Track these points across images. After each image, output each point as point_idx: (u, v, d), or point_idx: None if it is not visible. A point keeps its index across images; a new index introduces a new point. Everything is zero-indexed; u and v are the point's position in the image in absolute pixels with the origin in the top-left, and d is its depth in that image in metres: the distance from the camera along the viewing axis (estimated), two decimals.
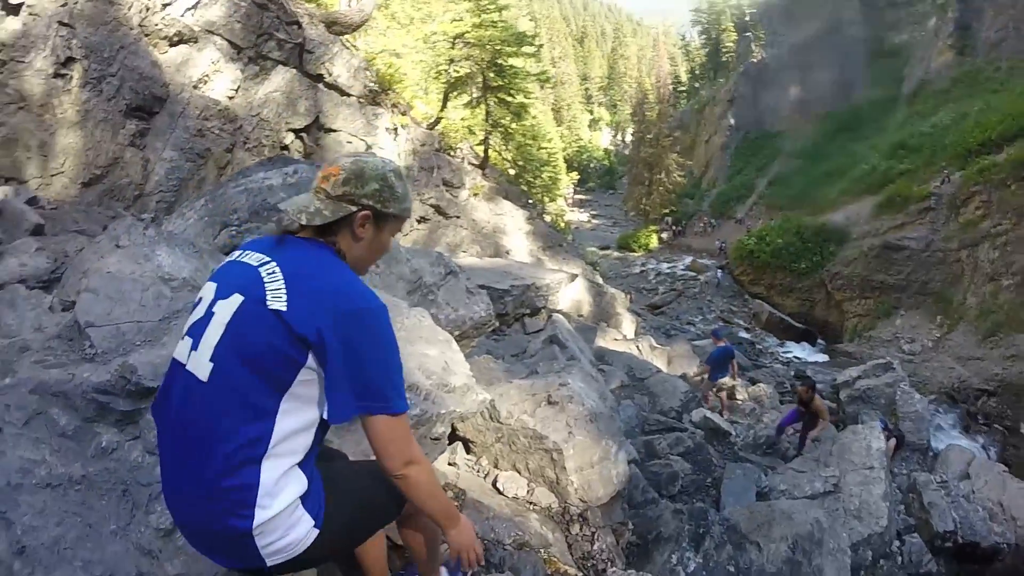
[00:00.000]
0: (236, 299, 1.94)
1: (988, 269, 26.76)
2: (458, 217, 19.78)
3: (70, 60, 11.62)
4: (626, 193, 70.93)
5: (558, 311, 14.43)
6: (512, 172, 26.43)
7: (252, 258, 2.03)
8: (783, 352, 31.30)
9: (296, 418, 1.94)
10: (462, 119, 24.06)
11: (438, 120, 21.93)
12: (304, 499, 1.99)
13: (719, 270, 43.84)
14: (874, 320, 31.35)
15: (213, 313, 1.95)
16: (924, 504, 9.19)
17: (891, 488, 8.76)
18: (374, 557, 2.63)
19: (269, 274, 1.95)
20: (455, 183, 20.37)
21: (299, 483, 1.98)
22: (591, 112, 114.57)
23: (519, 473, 5.35)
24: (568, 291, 16.91)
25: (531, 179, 26.91)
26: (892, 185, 35.94)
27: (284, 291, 1.90)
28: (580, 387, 5.79)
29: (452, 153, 21.33)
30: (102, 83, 12.05)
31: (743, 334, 32.72)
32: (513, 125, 25.05)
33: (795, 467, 9.06)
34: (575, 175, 50.58)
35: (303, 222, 2.02)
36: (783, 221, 41.20)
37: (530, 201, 25.98)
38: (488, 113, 23.91)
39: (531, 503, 5.16)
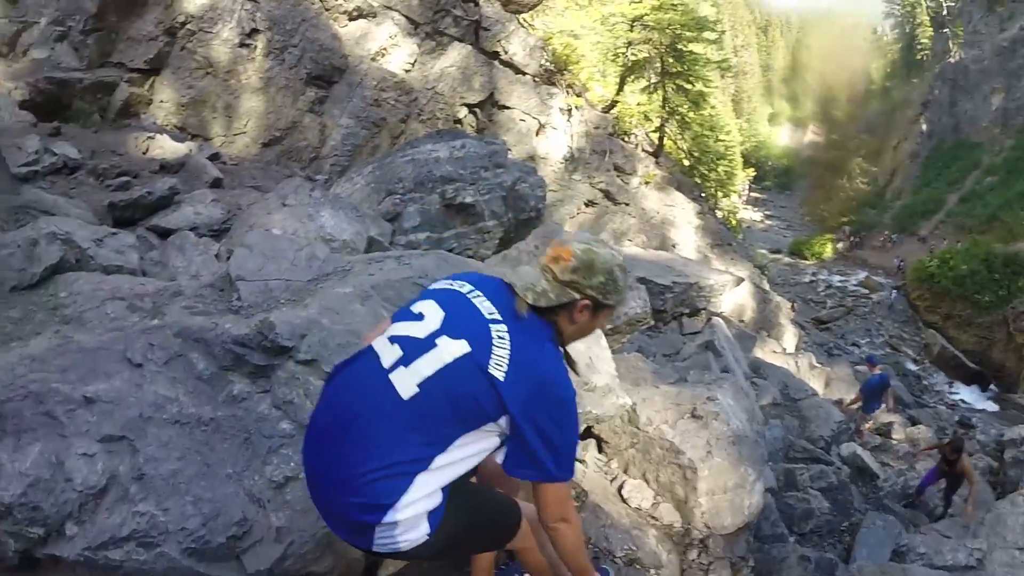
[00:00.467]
0: (462, 347, 2.01)
1: None
2: (627, 204, 19.30)
3: (254, 31, 12.43)
4: (804, 196, 67.49)
5: (719, 314, 13.71)
6: (686, 163, 25.42)
7: (484, 305, 2.11)
8: (950, 393, 28.10)
9: (464, 451, 2.06)
10: (638, 104, 23.31)
11: (613, 104, 21.45)
12: (430, 512, 2.07)
13: (894, 291, 40.24)
14: None
15: (435, 345, 2.03)
16: None
17: None
18: (484, 557, 2.71)
19: (499, 339, 2.03)
20: (627, 169, 19.89)
21: (435, 500, 2.07)
22: (771, 106, 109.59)
23: (647, 484, 5.09)
24: (732, 294, 16.10)
25: (706, 172, 25.72)
26: None
27: (507, 363, 1.99)
28: (729, 404, 5.43)
29: (626, 138, 20.85)
30: (284, 53, 12.77)
31: (910, 366, 29.71)
32: (691, 114, 24.05)
33: (940, 529, 8.20)
34: (751, 171, 48.33)
35: (530, 301, 2.09)
36: (971, 245, 36.98)
37: (702, 195, 25.00)
38: (665, 100, 23.11)
39: (653, 518, 4.91)
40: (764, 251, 41.79)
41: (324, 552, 3.04)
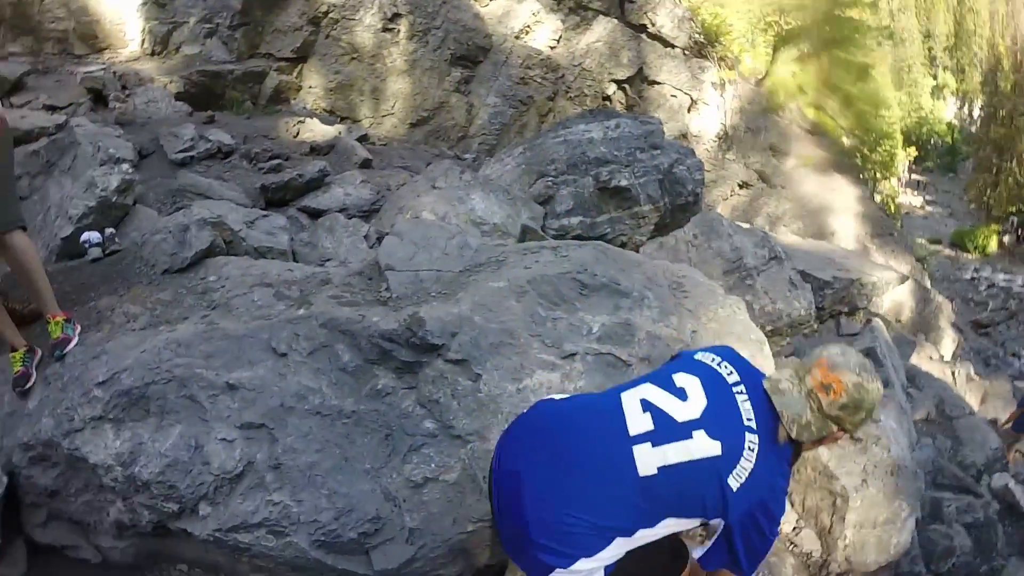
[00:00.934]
0: (713, 449, 2.01)
1: None
2: (783, 187, 18.32)
3: (396, 16, 12.56)
4: (969, 179, 62.60)
5: (878, 315, 12.75)
6: (846, 142, 23.88)
7: (745, 407, 2.10)
8: None
9: (664, 529, 2.09)
10: (793, 75, 21.93)
11: (766, 76, 20.34)
12: (607, 565, 2.09)
13: None
14: None
15: (691, 437, 2.03)
16: None
17: None
18: None
19: (749, 451, 2.03)
20: (782, 149, 18.86)
21: (617, 556, 2.08)
22: (934, 77, 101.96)
23: (791, 506, 4.84)
24: (894, 293, 15.00)
25: (867, 152, 24.09)
26: None
27: (744, 479, 1.99)
28: (891, 427, 5.01)
29: (780, 114, 19.76)
30: (427, 35, 12.84)
31: None
32: (854, 89, 22.46)
33: None
34: (913, 151, 45.30)
35: (793, 435, 2.07)
36: None
37: (862, 177, 23.43)
38: (824, 72, 21.72)
39: (792, 543, 4.73)
40: (923, 241, 38.84)
41: (455, 558, 3.05)
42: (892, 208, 27.68)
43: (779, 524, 2.13)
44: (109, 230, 4.92)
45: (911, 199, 60.91)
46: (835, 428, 2.09)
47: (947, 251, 46.68)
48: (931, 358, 14.67)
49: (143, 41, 11.42)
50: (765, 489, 2.03)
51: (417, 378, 3.33)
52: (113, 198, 5.20)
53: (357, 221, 6.92)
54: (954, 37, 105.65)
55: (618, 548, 2.03)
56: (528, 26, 13.81)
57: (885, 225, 20.96)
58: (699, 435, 2.02)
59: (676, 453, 2.01)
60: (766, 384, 2.15)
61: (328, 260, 6.07)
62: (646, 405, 2.10)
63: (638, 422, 2.07)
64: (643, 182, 7.47)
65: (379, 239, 6.28)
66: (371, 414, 3.25)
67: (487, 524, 2.93)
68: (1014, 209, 51.18)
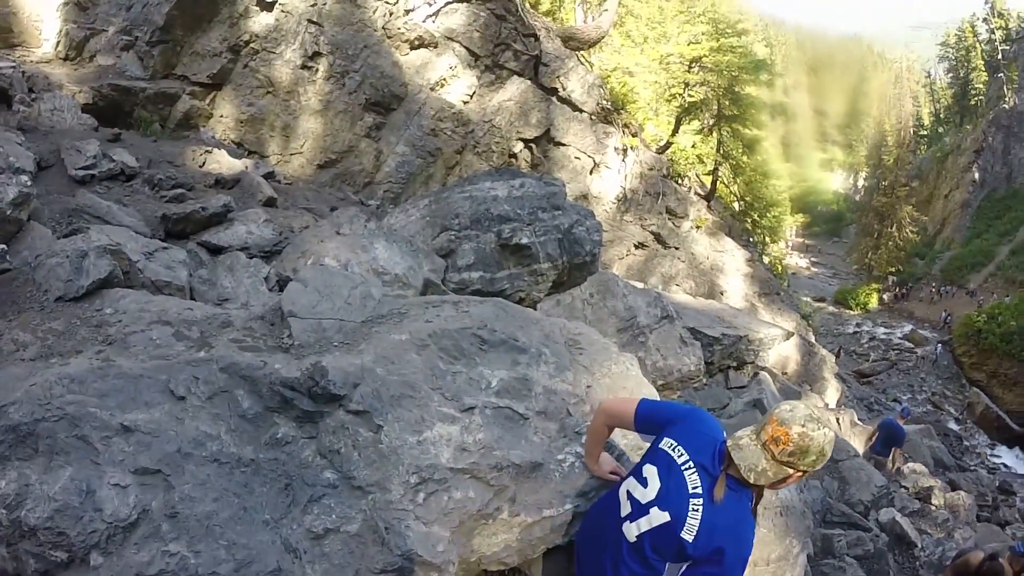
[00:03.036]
0: (666, 516, 2.70)
1: None
2: (677, 248, 19.06)
3: (317, 54, 12.60)
4: (852, 243, 66.40)
5: (765, 368, 13.34)
6: (738, 208, 25.14)
7: (692, 479, 2.71)
8: (992, 455, 27.16)
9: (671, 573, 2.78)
10: (692, 146, 23.03)
11: (668, 145, 21.25)
12: None
13: (939, 345, 39.10)
14: None
15: (649, 513, 2.75)
16: None
17: None
18: None
19: (694, 510, 2.65)
20: (679, 212, 19.66)
21: None
22: (824, 151, 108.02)
23: None
24: (779, 348, 15.70)
25: (757, 217, 25.40)
26: None
27: (696, 530, 2.63)
28: None
29: (679, 181, 20.61)
30: (345, 77, 12.89)
31: (952, 425, 28.88)
32: (744, 158, 23.78)
33: None
34: (801, 217, 47.76)
35: (751, 480, 2.59)
36: (1021, 300, 36.04)
37: (751, 240, 24.63)
38: (720, 143, 22.87)
39: None
40: (809, 299, 40.90)
41: None
42: (779, 269, 29.17)
43: (743, 560, 2.66)
44: (0, 246, 4.59)
45: (798, 261, 64.06)
46: (791, 471, 2.56)
47: (831, 308, 49.20)
48: (816, 407, 15.36)
49: (58, 44, 11.01)
50: (717, 541, 2.61)
51: (318, 428, 3.30)
52: (8, 211, 4.88)
53: (258, 261, 6.79)
54: (847, 116, 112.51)
55: None
56: (444, 79, 14.04)
57: (772, 285, 22.04)
58: (654, 510, 2.74)
59: (645, 525, 2.76)
60: (729, 443, 2.68)
61: (226, 300, 5.95)
62: (628, 495, 2.89)
63: (625, 507, 2.88)
64: (543, 241, 7.64)
65: (279, 282, 6.23)
66: (271, 463, 3.20)
67: (391, 574, 2.93)
68: (893, 269, 54.58)
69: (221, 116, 11.99)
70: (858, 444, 14.12)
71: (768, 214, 25.80)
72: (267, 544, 2.98)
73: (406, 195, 12.72)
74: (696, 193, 21.52)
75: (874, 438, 13.42)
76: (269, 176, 10.56)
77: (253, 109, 12.09)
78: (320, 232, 6.89)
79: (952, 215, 60.89)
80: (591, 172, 16.72)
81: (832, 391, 18.90)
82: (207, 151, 9.74)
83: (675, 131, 22.29)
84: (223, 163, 9.61)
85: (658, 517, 2.72)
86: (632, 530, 2.80)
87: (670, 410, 3.05)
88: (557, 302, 6.43)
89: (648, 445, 3.03)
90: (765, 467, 2.56)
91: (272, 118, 12.29)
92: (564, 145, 16.05)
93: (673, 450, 2.80)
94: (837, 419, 15.11)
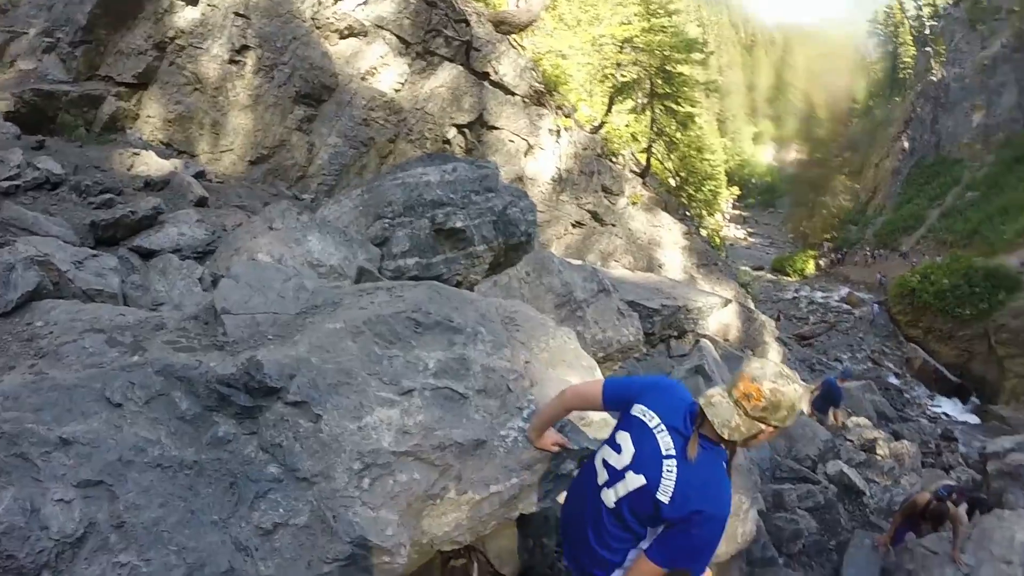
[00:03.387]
0: (640, 480, 2.76)
1: None
2: (614, 225, 19.25)
3: (244, 48, 12.36)
4: (786, 213, 68.02)
5: (706, 335, 13.64)
6: (673, 183, 25.54)
7: (664, 441, 2.76)
8: (932, 406, 28.51)
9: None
10: (626, 125, 23.31)
11: (601, 124, 21.42)
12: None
13: (876, 305, 40.47)
14: None
15: (624, 477, 2.82)
16: None
17: None
18: None
19: (668, 472, 2.70)
20: (614, 190, 19.84)
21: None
22: (755, 125, 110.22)
23: None
24: (718, 315, 16.05)
25: (692, 192, 25.90)
26: None
27: (672, 491, 2.67)
28: None
29: (614, 159, 20.81)
30: (274, 70, 12.68)
31: (892, 380, 30.17)
32: (678, 135, 24.19)
33: (927, 545, 8.08)
34: (735, 190, 48.62)
35: (726, 436, 2.63)
36: (951, 259, 37.29)
37: (688, 214, 25.05)
38: (653, 121, 23.18)
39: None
40: (747, 268, 41.75)
41: None
42: (717, 241, 29.78)
43: (717, 531, 2.69)
44: None
45: (735, 232, 65.07)
46: (763, 427, 2.60)
47: (769, 276, 50.39)
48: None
49: None
50: (693, 503, 2.65)
51: (258, 423, 3.28)
52: None
53: (191, 263, 6.71)
54: (775, 90, 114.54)
55: (632, 554, 2.91)
56: (375, 68, 13.90)
57: (710, 256, 22.44)
58: (630, 474, 2.80)
59: (621, 490, 2.83)
60: (701, 400, 2.71)
61: (161, 304, 5.85)
62: (604, 463, 2.96)
63: (601, 475, 2.95)
64: (478, 223, 7.66)
65: (214, 282, 6.11)
66: (213, 463, 3.18)
67: (343, 563, 2.94)
68: (828, 236, 56.14)
69: (148, 116, 11.72)
70: (803, 403, 14.59)
71: (703, 188, 26.29)
72: (217, 545, 2.96)
73: (340, 187, 12.60)
74: (631, 171, 21.76)
75: (813, 395, 13.90)
76: (200, 175, 10.36)
77: (181, 107, 11.85)
78: (253, 229, 6.80)
79: (883, 183, 62.68)
80: (526, 154, 16.76)
81: (773, 354, 19.41)
82: (135, 153, 9.52)
83: (608, 111, 22.51)
84: (152, 165, 9.41)
85: (634, 481, 2.77)
86: (610, 496, 2.87)
87: (637, 382, 3.11)
88: (494, 283, 6.47)
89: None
90: (739, 423, 2.59)
91: (200, 115, 12.05)
92: (497, 129, 16.05)
93: (644, 415, 2.84)
94: None
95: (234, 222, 8.19)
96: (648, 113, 23.24)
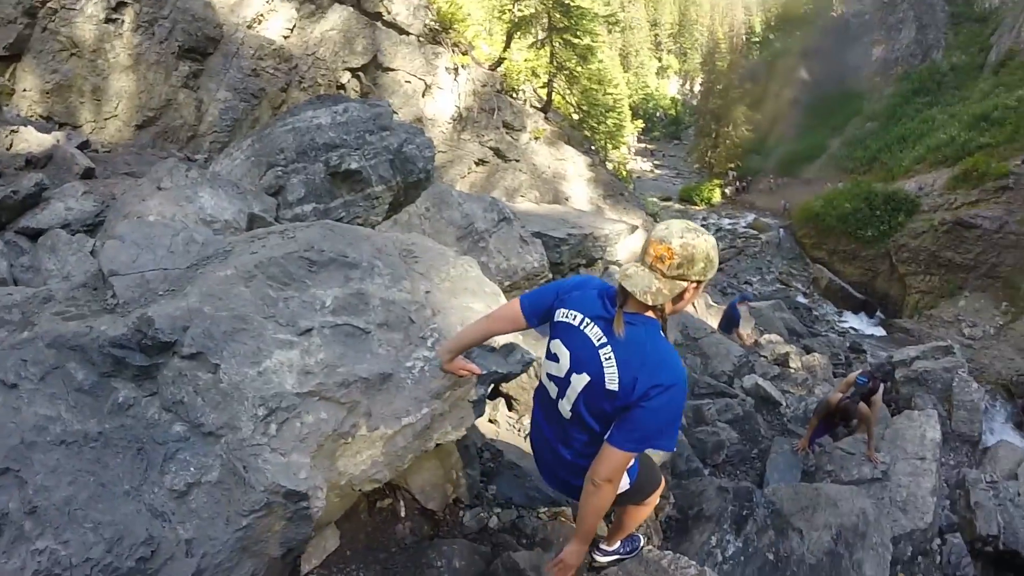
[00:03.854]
0: (585, 378, 2.68)
1: None
2: (518, 161, 19.25)
3: (121, 5, 11.75)
4: (691, 145, 69.10)
5: (615, 263, 13.92)
6: (576, 117, 25.51)
7: (593, 333, 2.68)
8: (840, 321, 30.07)
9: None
10: (525, 60, 23.07)
11: (501, 61, 21.18)
12: (630, 469, 3.04)
13: (782, 230, 42.01)
14: (937, 298, 29.73)
15: (570, 382, 2.74)
16: (970, 503, 8.71)
17: (939, 482, 8.24)
18: (639, 514, 3.55)
19: (607, 359, 2.61)
20: (516, 126, 19.79)
21: (632, 462, 3.04)
22: (660, 59, 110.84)
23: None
24: (627, 242, 16.33)
25: (595, 125, 25.86)
26: (970, 158, 33.39)
27: (616, 376, 2.58)
28: None
29: (514, 95, 20.71)
30: (154, 26, 12.12)
31: (801, 299, 31.61)
32: (579, 68, 23.96)
33: (844, 447, 8.57)
34: (640, 123, 49.07)
35: (650, 302, 2.55)
36: (852, 185, 39.05)
37: (592, 147, 25.20)
38: (553, 55, 22.99)
39: None
40: (655, 199, 42.67)
41: (241, 558, 2.92)
42: (623, 173, 30.11)
43: (677, 401, 2.58)
44: None
45: (641, 165, 65.98)
46: (684, 283, 2.52)
47: (677, 206, 51.46)
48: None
49: None
50: (641, 376, 2.53)
51: (157, 382, 3.15)
52: None
53: (82, 236, 6.43)
54: (678, 25, 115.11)
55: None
56: (261, 15, 13.42)
57: (617, 187, 22.73)
58: (574, 377, 2.72)
59: (572, 395, 2.74)
60: (618, 276, 2.63)
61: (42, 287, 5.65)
62: (549, 377, 2.88)
63: (552, 390, 2.89)
64: (374, 164, 7.52)
65: None
66: (118, 431, 3.04)
67: (260, 513, 2.88)
68: (732, 166, 57.43)
69: (24, 90, 11.08)
70: (713, 323, 15.13)
71: (606, 120, 26.37)
72: (133, 515, 2.86)
73: (234, 143, 12.26)
74: (532, 106, 21.72)
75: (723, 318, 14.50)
76: (84, 146, 9.94)
77: (58, 76, 11.24)
78: (141, 191, 6.51)
79: (784, 113, 64.25)
80: (423, 95, 16.55)
81: None
82: (12, 131, 8.98)
83: (507, 46, 22.23)
84: (32, 141, 8.91)
85: (579, 382, 2.69)
86: (565, 407, 2.80)
87: (552, 288, 3.00)
88: (394, 222, 6.39)
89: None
90: (659, 286, 2.51)
91: (80, 82, 11.46)
92: (393, 70, 15.79)
93: (567, 316, 2.77)
94: (693, 304, 16.01)
95: (123, 191, 7.86)
96: (548, 47, 23.03)
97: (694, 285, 2.56)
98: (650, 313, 2.63)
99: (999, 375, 21.55)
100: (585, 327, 2.71)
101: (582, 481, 2.77)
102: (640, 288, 2.53)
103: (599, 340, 2.65)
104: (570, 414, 2.79)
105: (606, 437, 2.66)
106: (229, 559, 2.86)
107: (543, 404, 3.04)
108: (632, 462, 2.98)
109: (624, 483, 3.03)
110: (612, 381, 2.58)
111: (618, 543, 3.80)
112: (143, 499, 2.89)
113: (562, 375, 2.78)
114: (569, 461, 2.92)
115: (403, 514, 4.06)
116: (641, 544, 3.91)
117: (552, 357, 2.84)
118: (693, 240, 2.49)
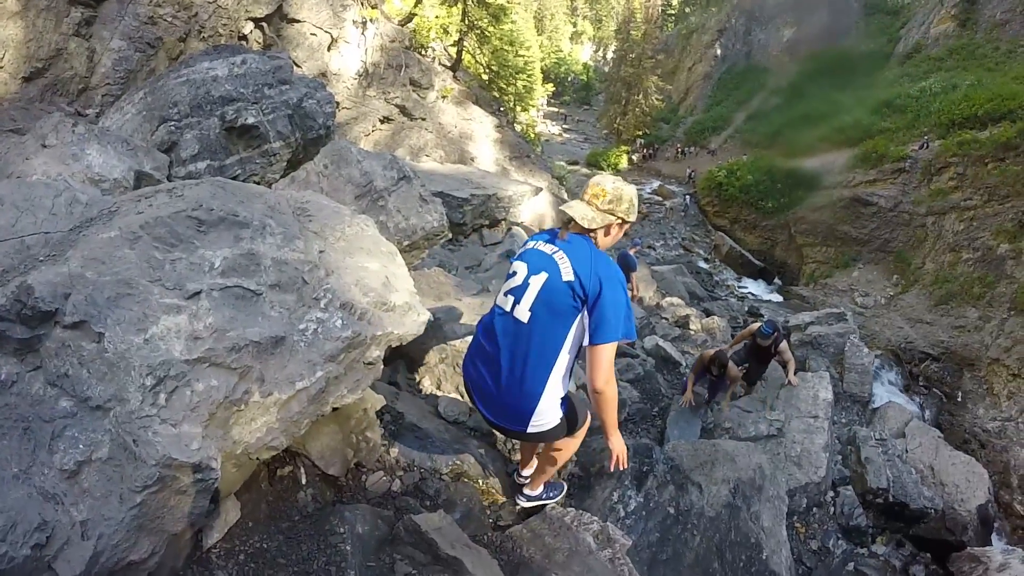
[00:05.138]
0: (543, 276, 3.21)
1: (951, 239, 26.77)
2: (424, 119, 19.01)
3: None
4: (601, 110, 69.52)
5: (519, 224, 14.04)
6: (485, 77, 25.43)
7: (547, 248, 3.29)
8: (739, 287, 31.33)
9: (570, 344, 3.26)
10: (436, 17, 22.75)
11: (411, 17, 20.84)
12: (562, 400, 3.43)
13: (687, 197, 43.39)
14: (832, 269, 31.38)
15: (529, 284, 3.23)
16: (861, 458, 9.29)
17: (832, 439, 8.79)
18: (567, 449, 3.91)
19: (560, 259, 3.21)
20: (423, 84, 19.50)
21: (563, 388, 3.40)
22: (574, 24, 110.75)
23: (461, 397, 5.22)
24: (531, 204, 16.46)
25: (504, 86, 25.88)
26: (871, 140, 35.06)
27: (571, 269, 3.16)
28: None
29: (423, 52, 20.41)
30: None
31: (702, 264, 32.79)
32: (491, 28, 23.80)
33: (741, 406, 8.99)
34: (551, 87, 48.96)
35: (586, 226, 3.24)
36: (756, 158, 40.80)
37: (501, 109, 25.16)
38: (465, 13, 22.75)
39: (472, 429, 5.05)
40: (563, 163, 42.93)
41: (138, 536, 2.82)
42: (532, 135, 30.18)
43: (624, 288, 3.20)
44: None
45: (550, 128, 66.24)
46: (612, 218, 3.26)
47: (584, 170, 51.84)
48: None
49: None
50: (591, 267, 3.14)
51: (40, 355, 2.99)
52: None
53: None
54: None
55: (556, 377, 3.31)
56: None
57: (523, 149, 22.78)
58: (532, 279, 3.23)
59: (530, 295, 3.21)
60: (564, 207, 3.30)
61: None
62: (506, 293, 3.32)
63: (507, 303, 3.29)
64: (272, 119, 7.33)
65: None
66: (2, 411, 2.87)
67: (154, 488, 2.77)
68: (640, 133, 58.30)
69: None
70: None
71: (516, 82, 26.32)
72: (24, 500, 2.71)
73: (125, 96, 11.68)
74: (441, 64, 21.48)
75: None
76: None
77: None
78: (24, 149, 6.15)
79: (695, 85, 65.82)
80: (329, 48, 16.09)
81: None
82: None
83: (418, 2, 21.83)
84: None
85: (538, 281, 3.21)
86: (523, 310, 3.24)
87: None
88: (292, 179, 6.15)
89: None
90: (593, 215, 3.25)
91: None
92: (299, 22, 15.24)
93: (524, 247, 3.43)
94: None
95: (6, 149, 7.44)
96: (460, 5, 22.75)
97: (618, 222, 3.29)
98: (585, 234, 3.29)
99: (889, 341, 23.14)
100: (540, 246, 3.34)
101: (527, 404, 3.33)
102: (579, 213, 3.25)
103: (552, 250, 3.27)
104: (528, 314, 3.23)
105: (589, 342, 3.19)
106: (126, 539, 2.77)
107: (491, 328, 3.42)
108: (563, 395, 3.44)
109: (556, 416, 3.43)
110: (567, 272, 3.16)
111: (541, 488, 4.30)
112: (33, 482, 2.76)
113: (520, 283, 3.28)
114: (511, 387, 3.34)
115: (304, 481, 3.99)
116: (564, 491, 4.50)
117: (510, 275, 3.36)
118: (621, 186, 3.31)
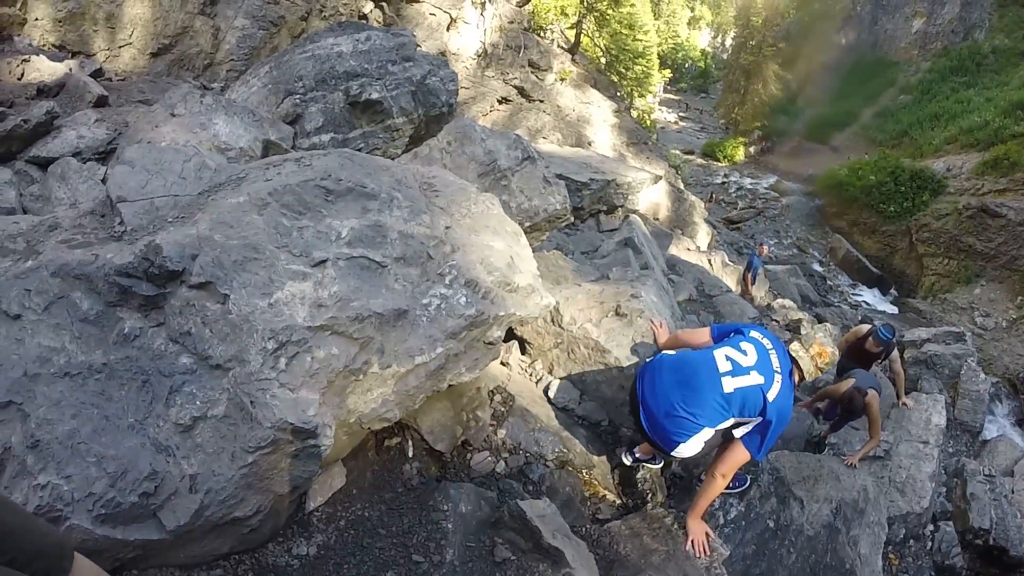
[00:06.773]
0: (758, 379, 3.80)
1: None
2: (542, 101, 18.85)
3: None
4: (719, 99, 67.60)
5: (636, 212, 13.67)
6: (603, 61, 24.93)
7: (775, 360, 3.92)
8: (853, 294, 29.59)
9: (726, 424, 3.83)
10: None
11: None
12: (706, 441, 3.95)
13: (804, 196, 41.57)
14: (953, 283, 28.79)
15: (749, 374, 3.80)
16: (966, 494, 8.46)
17: (939, 469, 8.17)
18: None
19: (776, 382, 3.80)
20: (542, 66, 19.33)
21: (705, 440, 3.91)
22: (692, 9, 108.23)
23: (573, 384, 5.18)
24: (648, 192, 16.05)
25: (623, 70, 25.24)
26: (1003, 145, 31.79)
27: (776, 394, 3.77)
28: (653, 301, 5.49)
29: (542, 34, 20.21)
30: None
31: (816, 267, 31.22)
32: (609, 11, 23.32)
33: (851, 423, 8.38)
34: (668, 72, 47.98)
35: (800, 379, 4.21)
36: (880, 158, 37.72)
37: (619, 93, 24.65)
38: None
39: (581, 417, 5.02)
40: (678, 151, 41.97)
41: (246, 494, 2.86)
42: (648, 122, 29.55)
43: (789, 414, 3.87)
44: None
45: (666, 115, 65.04)
46: (817, 374, 4.23)
47: (699, 160, 50.80)
48: (689, 249, 16.09)
49: None
50: (782, 402, 3.76)
51: (164, 312, 3.02)
52: None
53: (93, 164, 6.22)
54: None
55: (706, 435, 3.82)
56: None
57: (640, 135, 22.32)
58: (753, 372, 3.81)
59: (743, 381, 3.78)
60: (792, 350, 4.17)
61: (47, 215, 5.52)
62: (727, 358, 3.88)
63: (724, 365, 3.85)
64: (395, 94, 7.30)
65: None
66: (123, 363, 2.92)
67: (266, 449, 2.79)
68: (758, 124, 56.33)
69: (36, 19, 10.63)
70: (729, 282, 14.88)
71: (634, 67, 25.76)
72: (137, 449, 2.76)
73: (251, 70, 11.96)
74: (560, 46, 21.22)
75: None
76: (97, 74, 9.66)
77: (71, 4, 10.75)
78: (153, 117, 6.34)
79: (816, 76, 62.67)
80: (448, 28, 16.11)
81: (703, 235, 19.69)
82: (24, 60, 8.74)
83: None
84: (44, 69, 8.68)
85: (755, 378, 3.78)
86: (729, 383, 3.79)
87: (732, 325, 4.26)
88: (415, 155, 6.13)
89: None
90: (812, 370, 4.16)
91: (93, 10, 10.97)
92: (418, 2, 15.35)
93: (762, 339, 4.03)
94: (709, 260, 15.78)
95: (137, 118, 7.69)
96: None
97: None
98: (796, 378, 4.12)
99: (1006, 369, 21.22)
100: (772, 352, 3.95)
101: (679, 436, 3.82)
102: (806, 369, 4.17)
103: (777, 367, 3.88)
104: (732, 390, 3.77)
105: (739, 436, 3.84)
106: (233, 495, 2.81)
107: (696, 366, 3.93)
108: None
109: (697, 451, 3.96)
110: (772, 393, 3.76)
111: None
112: (147, 433, 2.79)
113: (744, 365, 3.85)
114: (678, 416, 3.82)
115: (411, 454, 4.04)
116: (747, 484, 4.92)
117: (740, 350, 3.93)
118: (830, 349, 4.25)
